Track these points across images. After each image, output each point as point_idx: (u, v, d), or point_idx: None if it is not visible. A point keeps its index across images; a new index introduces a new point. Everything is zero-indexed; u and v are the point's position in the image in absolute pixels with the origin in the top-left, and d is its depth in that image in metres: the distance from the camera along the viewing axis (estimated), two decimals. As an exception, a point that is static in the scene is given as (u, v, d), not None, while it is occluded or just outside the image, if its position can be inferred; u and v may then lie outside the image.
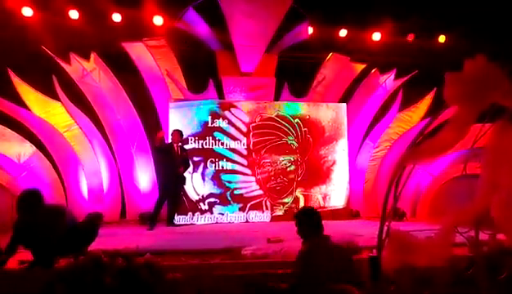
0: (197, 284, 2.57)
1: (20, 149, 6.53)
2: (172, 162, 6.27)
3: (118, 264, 2.43)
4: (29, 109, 6.62)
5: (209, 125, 7.13)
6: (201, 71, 7.68)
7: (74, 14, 6.92)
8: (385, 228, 2.34)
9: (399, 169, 2.30)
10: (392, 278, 2.17)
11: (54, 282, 2.40)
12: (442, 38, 8.33)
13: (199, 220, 6.80)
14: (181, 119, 7.05)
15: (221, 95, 7.65)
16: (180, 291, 2.42)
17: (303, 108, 7.57)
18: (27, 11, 6.62)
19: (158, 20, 7.25)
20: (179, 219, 6.67)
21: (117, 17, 7.10)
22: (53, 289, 2.36)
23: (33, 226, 3.28)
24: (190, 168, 6.77)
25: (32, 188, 3.70)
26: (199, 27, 7.34)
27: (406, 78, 7.77)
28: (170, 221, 6.40)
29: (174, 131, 6.52)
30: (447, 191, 7.36)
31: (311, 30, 7.74)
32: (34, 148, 6.62)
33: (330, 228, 5.85)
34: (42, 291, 2.38)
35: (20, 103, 6.57)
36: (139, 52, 7.24)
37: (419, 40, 8.19)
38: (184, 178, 6.50)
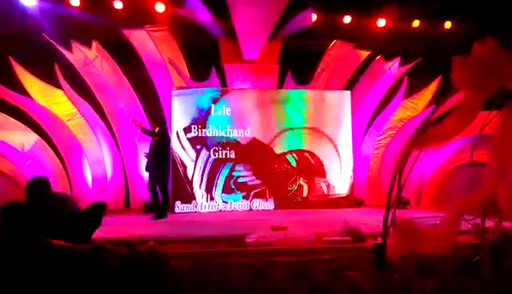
0: (200, 272, 2.57)
1: (24, 138, 6.55)
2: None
3: (121, 251, 2.44)
4: (32, 98, 6.61)
5: (212, 113, 7.09)
6: (204, 58, 7.61)
7: (75, 1, 6.85)
8: (390, 215, 2.32)
9: (404, 156, 2.27)
10: (396, 266, 2.16)
11: (56, 267, 2.40)
12: (448, 24, 8.19)
13: (204, 208, 6.81)
14: (183, 107, 7.02)
15: (223, 82, 7.60)
16: (183, 279, 2.43)
17: (306, 95, 7.51)
18: (29, 0, 6.55)
19: (160, 7, 7.17)
20: (183, 207, 6.68)
21: (118, 4, 7.02)
22: (55, 274, 2.36)
23: (38, 213, 3.28)
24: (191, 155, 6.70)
25: (40, 175, 3.69)
26: (202, 14, 7.25)
27: (410, 65, 7.67)
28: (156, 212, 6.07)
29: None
30: (452, 179, 7.32)
31: (314, 17, 7.63)
32: (38, 137, 6.64)
33: (334, 216, 5.93)
34: (46, 276, 2.38)
35: (23, 92, 6.56)
36: (141, 40, 7.18)
37: (425, 26, 8.06)
38: (151, 164, 6.05)
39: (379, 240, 3.48)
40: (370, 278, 2.24)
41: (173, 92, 7.06)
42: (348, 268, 2.64)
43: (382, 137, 7.94)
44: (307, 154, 7.36)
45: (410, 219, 2.19)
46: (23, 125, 6.53)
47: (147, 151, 6.14)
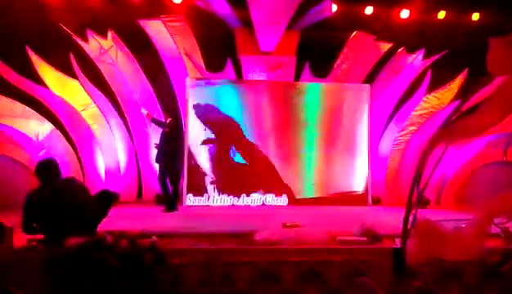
0: (204, 270, 2.44)
1: (39, 128, 6.57)
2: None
3: (122, 246, 2.33)
4: (48, 88, 6.61)
5: (227, 104, 6.94)
6: (219, 49, 7.45)
7: (92, -8, 6.79)
8: (411, 217, 2.12)
9: (429, 150, 2.05)
10: (417, 272, 1.96)
11: (57, 261, 2.31)
12: (475, 16, 7.79)
13: (215, 201, 6.70)
14: (198, 98, 6.90)
15: (239, 74, 7.44)
16: (184, 277, 2.30)
17: (324, 88, 7.27)
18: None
19: (176, -3, 7.03)
20: (195, 200, 6.59)
21: (135, -6, 6.92)
22: (55, 268, 2.26)
23: (45, 196, 3.22)
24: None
25: (47, 158, 3.64)
26: (218, 4, 7.08)
27: (435, 58, 7.32)
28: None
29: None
30: (475, 178, 7.00)
31: (335, 7, 7.34)
32: (53, 126, 6.65)
33: (349, 213, 5.72)
34: (44, 270, 2.30)
35: (39, 81, 6.57)
36: (157, 30, 7.08)
37: (450, 17, 7.68)
38: (160, 155, 6.06)
39: (398, 243, 3.29)
40: (386, 286, 2.05)
41: (188, 83, 6.96)
42: (364, 272, 2.45)
43: (403, 133, 7.63)
44: (321, 152, 7.13)
45: (433, 221, 1.99)
46: (38, 114, 6.54)
47: (158, 142, 6.06)
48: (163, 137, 5.96)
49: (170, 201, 5.82)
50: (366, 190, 7.20)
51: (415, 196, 2.14)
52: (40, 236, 3.30)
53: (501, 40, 1.71)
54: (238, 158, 6.90)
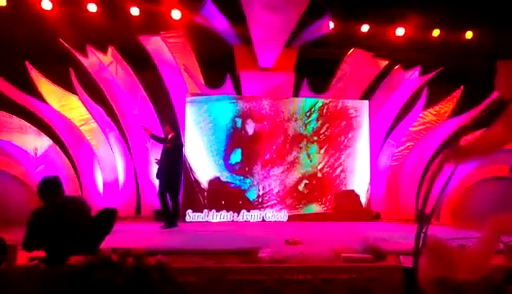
0: (210, 288, 2.41)
1: (37, 143, 6.52)
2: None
3: (128, 264, 2.30)
4: (47, 103, 6.60)
5: (226, 120, 6.97)
6: (219, 65, 7.52)
7: (92, 7, 6.85)
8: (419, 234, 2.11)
9: (439, 169, 2.07)
10: (428, 293, 1.95)
11: (60, 280, 2.27)
12: (469, 34, 7.94)
13: (215, 217, 6.65)
14: (197, 114, 6.93)
15: (238, 90, 7.49)
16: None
17: (322, 104, 7.33)
18: (46, 5, 6.57)
19: (176, 14, 7.12)
20: (194, 216, 6.54)
21: (135, 11, 7.00)
22: (59, 287, 2.23)
23: (51, 215, 3.18)
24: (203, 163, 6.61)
25: (51, 175, 3.59)
26: (218, 21, 7.17)
27: (431, 75, 7.43)
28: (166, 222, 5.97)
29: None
30: (473, 194, 7.02)
31: (332, 25, 7.47)
32: (51, 141, 6.61)
33: (351, 230, 5.70)
34: (47, 290, 2.26)
35: (38, 96, 6.56)
36: (156, 46, 7.14)
37: (445, 35, 7.83)
38: (162, 171, 6.00)
39: (402, 259, 3.28)
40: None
41: (187, 99, 6.98)
42: (370, 290, 2.44)
43: (400, 149, 7.69)
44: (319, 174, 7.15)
45: (442, 239, 2.00)
46: (37, 129, 6.51)
47: (158, 157, 6.04)
48: (165, 152, 5.94)
49: (170, 217, 5.76)
50: (367, 206, 7.20)
51: (425, 213, 2.15)
52: (41, 254, 3.25)
53: (509, 63, 1.75)
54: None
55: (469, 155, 2.09)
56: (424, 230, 2.02)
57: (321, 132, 7.23)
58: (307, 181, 7.09)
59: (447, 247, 1.87)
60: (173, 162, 5.87)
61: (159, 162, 5.97)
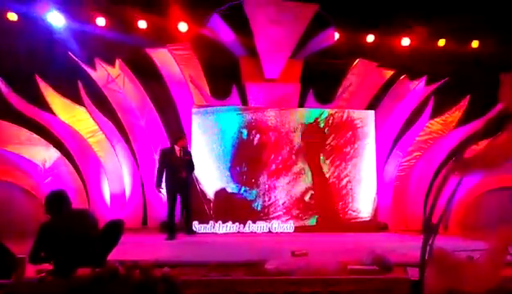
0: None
1: (45, 154, 6.58)
2: (171, 166, 6.05)
3: (135, 277, 2.31)
4: (55, 115, 6.69)
5: (232, 132, 7.01)
6: (225, 77, 7.59)
7: (100, 21, 6.97)
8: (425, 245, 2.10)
9: (445, 181, 2.06)
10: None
11: (68, 293, 2.28)
12: (475, 44, 7.94)
13: (221, 228, 6.64)
14: (204, 125, 6.97)
15: (244, 101, 7.53)
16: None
17: (328, 115, 7.34)
18: (55, 19, 6.69)
19: (182, 27, 7.21)
20: (200, 227, 6.55)
21: (142, 24, 7.11)
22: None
23: (58, 229, 3.21)
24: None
25: (58, 189, 3.63)
26: (224, 33, 7.26)
27: (437, 85, 7.43)
28: (188, 230, 6.28)
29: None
30: (482, 204, 6.95)
31: (337, 35, 7.52)
32: (59, 153, 6.67)
33: (357, 241, 5.66)
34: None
35: (46, 108, 6.65)
36: (163, 58, 7.23)
37: (451, 45, 7.83)
38: (187, 182, 6.22)
39: (409, 271, 3.24)
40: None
41: (194, 110, 7.04)
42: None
43: (407, 158, 7.64)
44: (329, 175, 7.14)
45: (449, 251, 1.98)
46: (45, 141, 6.58)
47: (178, 170, 6.05)
48: (187, 165, 6.17)
49: (171, 229, 5.85)
50: (374, 217, 7.15)
51: (432, 224, 2.13)
52: (48, 266, 3.27)
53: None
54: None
55: (474, 167, 2.08)
56: (430, 242, 2.01)
57: (327, 143, 7.23)
58: (312, 192, 7.07)
59: (454, 258, 1.86)
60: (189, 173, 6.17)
61: (182, 176, 6.00)
